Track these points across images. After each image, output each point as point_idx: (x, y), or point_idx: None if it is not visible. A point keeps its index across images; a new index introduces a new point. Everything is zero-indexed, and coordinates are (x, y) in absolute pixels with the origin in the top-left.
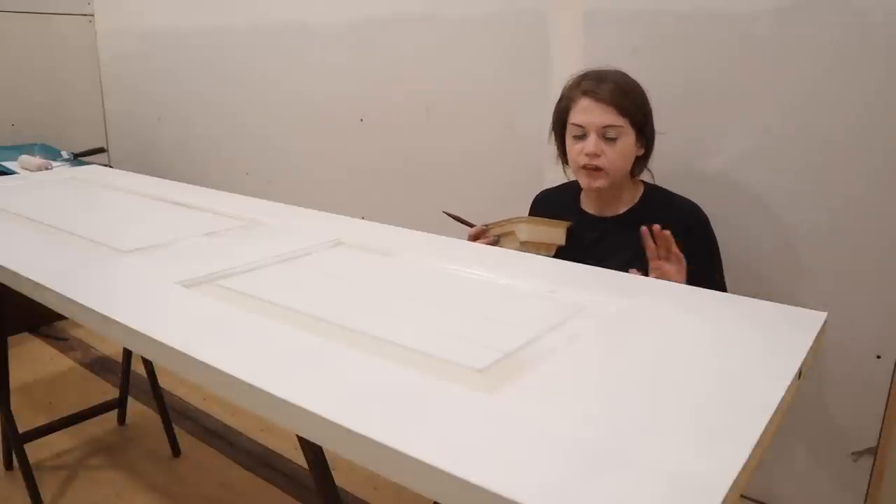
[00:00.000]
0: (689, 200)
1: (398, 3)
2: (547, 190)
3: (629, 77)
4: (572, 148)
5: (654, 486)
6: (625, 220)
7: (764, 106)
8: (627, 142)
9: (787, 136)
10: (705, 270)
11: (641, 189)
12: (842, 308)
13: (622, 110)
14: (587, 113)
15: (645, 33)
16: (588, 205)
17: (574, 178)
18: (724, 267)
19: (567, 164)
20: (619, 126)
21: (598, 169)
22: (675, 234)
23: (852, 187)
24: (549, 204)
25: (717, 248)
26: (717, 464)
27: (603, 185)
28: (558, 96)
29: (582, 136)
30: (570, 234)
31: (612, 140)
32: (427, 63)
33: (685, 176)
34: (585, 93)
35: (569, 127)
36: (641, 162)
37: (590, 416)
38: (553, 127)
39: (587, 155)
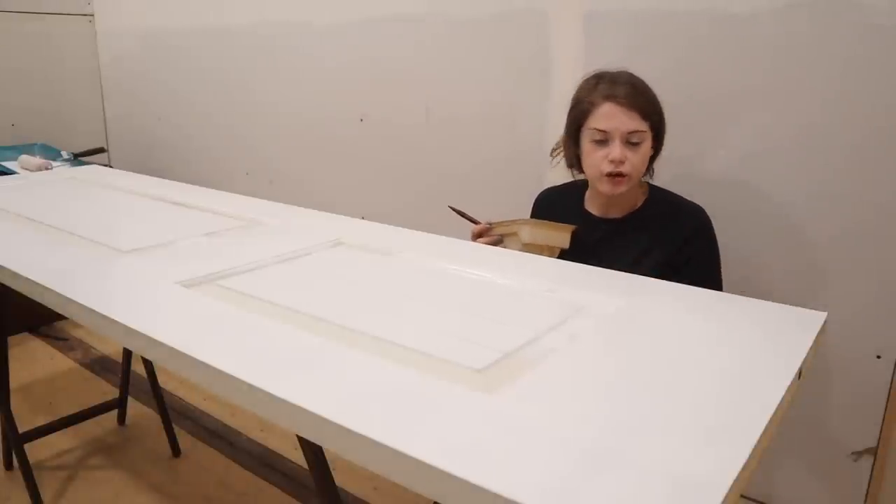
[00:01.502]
0: (694, 203)
1: (398, 3)
2: (550, 189)
3: (639, 78)
4: (593, 154)
5: (654, 486)
6: (629, 222)
7: (764, 106)
8: (648, 146)
9: (788, 136)
10: (707, 273)
11: (646, 191)
12: (842, 308)
13: (645, 115)
14: (611, 119)
15: (645, 33)
16: (592, 206)
17: (578, 178)
18: (723, 267)
19: (578, 168)
20: (643, 131)
21: (621, 175)
22: (679, 237)
23: (852, 187)
24: (553, 203)
25: (718, 252)
26: (717, 464)
27: (625, 191)
28: (557, 97)
29: (603, 142)
30: (575, 237)
31: (636, 145)
32: (427, 63)
33: (685, 176)
34: (607, 97)
35: (588, 132)
36: (652, 162)
37: (590, 416)
38: (567, 131)
39: (612, 161)
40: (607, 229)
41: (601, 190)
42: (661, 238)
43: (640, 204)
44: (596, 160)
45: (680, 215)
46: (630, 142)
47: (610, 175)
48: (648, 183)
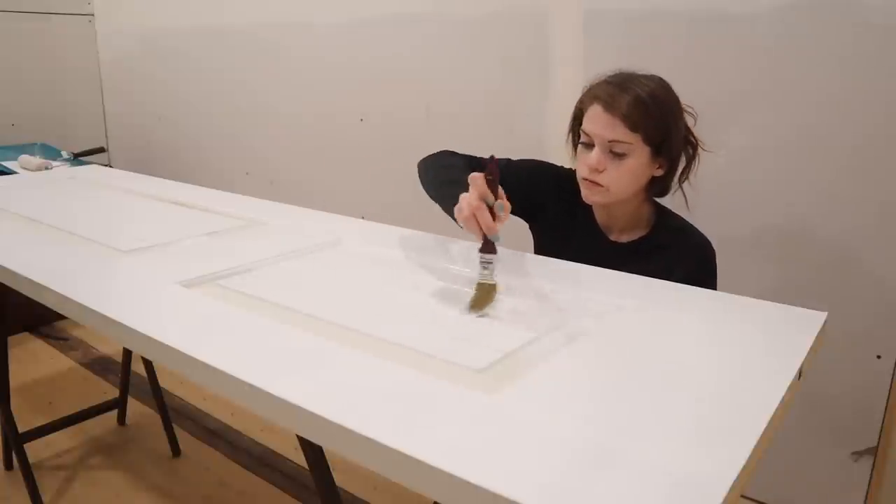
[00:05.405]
0: (702, 235)
1: (399, 3)
2: (569, 175)
3: (661, 87)
4: (579, 156)
5: (655, 486)
6: (634, 249)
7: (763, 106)
8: (637, 161)
9: (788, 136)
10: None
11: (653, 214)
12: (842, 308)
13: (633, 125)
14: (595, 123)
15: (645, 33)
16: (599, 215)
17: None
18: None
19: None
20: (628, 143)
21: (598, 185)
22: (676, 271)
23: (852, 187)
24: (563, 190)
25: (714, 288)
26: (717, 464)
27: (600, 202)
28: (556, 96)
29: (589, 146)
30: None
31: (619, 157)
32: (427, 63)
33: None
34: (597, 98)
35: (581, 133)
36: (662, 182)
37: (590, 416)
38: (570, 126)
39: (588, 167)
40: (609, 254)
41: (581, 194)
42: (657, 270)
43: (647, 231)
44: (579, 163)
45: (683, 248)
46: (612, 151)
47: (586, 181)
48: (659, 205)
